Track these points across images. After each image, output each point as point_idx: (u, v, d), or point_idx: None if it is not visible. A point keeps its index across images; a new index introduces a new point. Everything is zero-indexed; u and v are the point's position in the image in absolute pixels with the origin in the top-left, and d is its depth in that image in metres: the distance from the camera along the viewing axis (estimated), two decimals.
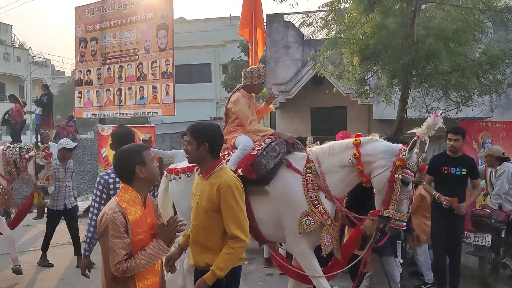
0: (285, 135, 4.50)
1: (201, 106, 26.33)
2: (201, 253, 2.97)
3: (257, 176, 4.14)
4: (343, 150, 4.02)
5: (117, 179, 3.42)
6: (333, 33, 7.53)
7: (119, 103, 11.21)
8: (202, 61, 28.27)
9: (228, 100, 4.83)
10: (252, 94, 4.95)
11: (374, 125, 12.78)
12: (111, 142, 4.04)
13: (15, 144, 6.52)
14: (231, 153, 4.53)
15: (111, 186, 3.58)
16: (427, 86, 7.45)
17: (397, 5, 6.45)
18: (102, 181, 3.60)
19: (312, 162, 4.10)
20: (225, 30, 27.77)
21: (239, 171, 4.16)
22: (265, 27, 11.39)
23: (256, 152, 4.27)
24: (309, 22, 7.64)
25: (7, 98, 16.89)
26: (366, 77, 7.81)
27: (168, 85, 10.32)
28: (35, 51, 51.74)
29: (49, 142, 10.88)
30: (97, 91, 11.64)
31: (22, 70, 37.83)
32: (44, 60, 41.96)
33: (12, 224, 6.79)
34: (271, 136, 4.44)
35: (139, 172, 2.69)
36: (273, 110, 5.96)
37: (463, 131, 5.63)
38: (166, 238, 2.72)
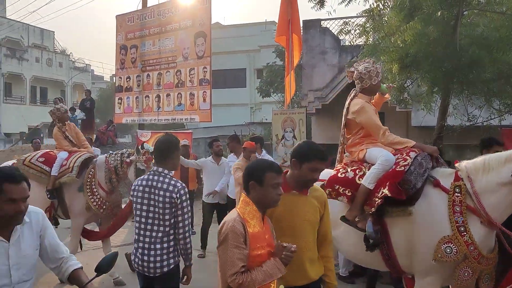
0: (429, 147, 4.05)
1: (235, 111, 26.49)
2: (316, 266, 3.03)
3: (406, 196, 3.63)
4: (502, 164, 3.41)
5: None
6: (371, 40, 7.47)
7: (158, 109, 11.44)
8: (237, 66, 28.48)
9: (347, 110, 4.38)
10: (372, 96, 4.53)
11: (413, 132, 12.53)
12: (155, 153, 3.94)
13: (117, 151, 6.48)
14: (363, 167, 4.09)
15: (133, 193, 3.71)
16: (468, 93, 7.27)
17: (439, 13, 6.33)
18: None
19: (462, 179, 3.56)
20: (260, 35, 27.88)
21: (385, 190, 3.67)
22: (301, 33, 11.40)
23: (402, 168, 3.73)
24: (347, 30, 7.59)
25: (53, 101, 17.48)
26: (405, 85, 7.70)
27: (205, 91, 10.46)
28: (75, 56, 53.39)
29: (92, 147, 11.23)
30: (137, 97, 11.91)
31: (63, 75, 39.07)
32: (85, 65, 43.23)
33: (109, 231, 6.56)
34: (414, 149, 3.92)
35: (252, 189, 2.70)
36: (389, 98, 5.40)
37: None
38: (283, 260, 2.61)
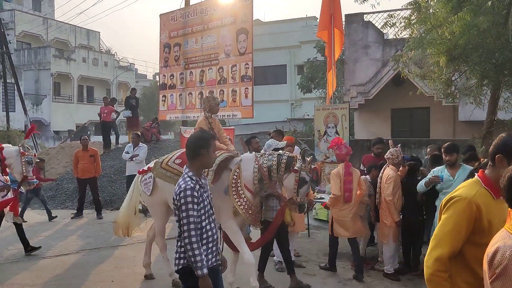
0: None
1: (276, 108, 26.52)
2: None
3: None
4: None
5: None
6: (417, 33, 7.31)
7: (200, 106, 11.58)
8: (277, 62, 28.46)
9: None
10: None
11: (460, 127, 12.18)
12: (187, 149, 3.59)
13: (273, 152, 5.68)
14: None
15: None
16: None
17: (489, 2, 6.12)
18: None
19: None
20: (301, 31, 27.75)
21: None
22: (343, 27, 11.29)
23: None
24: (392, 22, 7.45)
25: (102, 100, 18.04)
26: (453, 78, 7.48)
27: (247, 88, 10.52)
28: (120, 56, 54.87)
29: (140, 144, 11.54)
30: (180, 94, 12.11)
31: (109, 74, 40.26)
32: (129, 64, 44.37)
33: (263, 240, 5.80)
34: None
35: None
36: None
37: None
38: None
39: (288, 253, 6.27)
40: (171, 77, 12.36)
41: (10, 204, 7.10)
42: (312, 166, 5.53)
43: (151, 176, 6.20)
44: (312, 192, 5.84)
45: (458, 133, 12.36)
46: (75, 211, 11.03)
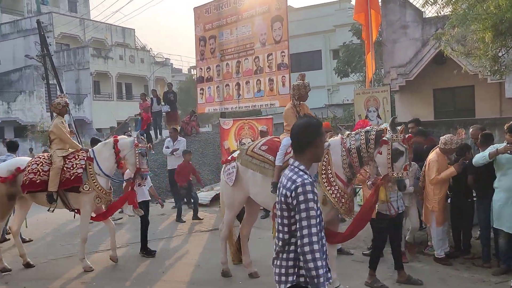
0: None
1: (312, 94, 25.79)
2: None
3: None
4: None
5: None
6: (459, 9, 7.02)
7: (238, 97, 11.61)
8: (312, 48, 28.11)
9: None
10: None
11: (507, 104, 11.70)
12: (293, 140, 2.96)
13: (359, 130, 5.14)
14: None
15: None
16: None
17: None
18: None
19: None
20: (334, 15, 27.27)
21: None
22: (380, 8, 11.01)
23: None
24: (432, 0, 7.18)
25: (139, 96, 18.35)
26: (499, 54, 7.17)
27: (284, 76, 10.45)
28: (155, 51, 55.71)
29: (179, 138, 11.73)
30: (217, 86, 12.17)
31: (145, 70, 40.91)
32: (164, 59, 44.92)
33: (352, 231, 5.32)
34: None
35: None
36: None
37: None
38: None
39: (398, 247, 5.92)
40: (208, 70, 12.43)
41: (129, 198, 7.19)
42: (407, 135, 4.90)
43: (235, 165, 6.09)
44: (410, 164, 5.12)
45: (505, 111, 11.88)
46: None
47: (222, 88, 11.99)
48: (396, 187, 5.03)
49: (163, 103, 17.28)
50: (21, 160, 7.24)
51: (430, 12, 11.43)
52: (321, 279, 2.57)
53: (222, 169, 6.46)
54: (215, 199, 11.89)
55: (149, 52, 43.44)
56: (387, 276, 5.99)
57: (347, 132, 5.28)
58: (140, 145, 6.85)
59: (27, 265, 7.09)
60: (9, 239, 8.98)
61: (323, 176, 5.07)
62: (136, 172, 6.88)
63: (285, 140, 5.59)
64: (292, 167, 2.79)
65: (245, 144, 11.10)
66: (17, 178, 6.79)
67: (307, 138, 2.82)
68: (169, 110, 16.96)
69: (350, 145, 5.00)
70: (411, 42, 12.44)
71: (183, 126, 17.48)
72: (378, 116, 9.61)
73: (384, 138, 4.80)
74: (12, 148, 9.25)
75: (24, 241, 8.68)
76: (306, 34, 27.15)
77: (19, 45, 37.22)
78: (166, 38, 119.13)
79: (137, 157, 6.77)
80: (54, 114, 7.23)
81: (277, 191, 2.82)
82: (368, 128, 5.06)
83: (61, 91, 23.96)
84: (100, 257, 7.49)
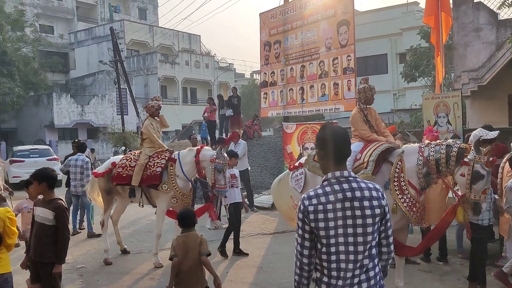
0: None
1: (378, 99, 25.12)
2: None
3: None
4: None
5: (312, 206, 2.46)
6: None
7: (302, 101, 11.62)
8: (377, 52, 27.55)
9: None
10: None
11: None
12: (319, 148, 2.67)
13: (438, 141, 5.06)
14: None
15: (311, 216, 2.47)
16: None
17: None
18: (301, 207, 2.53)
19: None
20: (401, 18, 26.61)
21: None
22: (451, 10, 10.63)
23: None
24: (510, 2, 6.83)
25: (206, 101, 18.78)
26: None
27: (350, 80, 10.34)
28: (219, 57, 56.89)
29: (239, 141, 11.88)
30: (281, 91, 12.24)
31: (209, 75, 41.93)
32: (228, 64, 45.79)
33: (426, 243, 5.26)
34: None
35: None
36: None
37: None
38: None
39: (478, 259, 5.63)
40: (272, 74, 12.53)
41: (208, 210, 7.35)
42: (491, 158, 4.63)
43: (303, 172, 6.07)
44: (489, 187, 4.88)
45: None
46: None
47: (286, 92, 12.04)
48: (472, 209, 4.77)
49: (226, 107, 17.60)
50: (117, 157, 7.90)
51: (505, 14, 10.89)
52: None
53: (290, 175, 6.46)
54: None
55: (214, 57, 44.46)
56: (456, 287, 5.77)
57: (427, 141, 5.13)
58: (216, 160, 6.70)
59: (124, 251, 7.79)
60: (80, 232, 9.56)
61: (395, 183, 4.95)
62: (212, 187, 6.87)
63: (355, 146, 5.45)
64: (352, 177, 2.54)
65: (307, 148, 11.10)
66: (112, 172, 7.36)
67: (350, 148, 2.67)
68: (232, 114, 17.23)
69: (429, 155, 4.86)
70: (484, 46, 11.88)
71: (246, 129, 17.70)
72: (448, 122, 9.27)
73: (465, 159, 4.61)
74: (81, 149, 9.83)
75: (93, 235, 9.32)
76: (371, 38, 26.65)
77: (93, 51, 39.41)
78: (230, 43, 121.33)
79: (213, 172, 6.73)
80: (146, 115, 7.59)
81: (359, 204, 2.48)
82: (450, 141, 4.92)
83: (131, 96, 25.08)
84: (167, 254, 7.73)
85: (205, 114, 17.33)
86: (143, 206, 7.50)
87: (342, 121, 19.55)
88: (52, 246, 4.37)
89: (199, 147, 7.19)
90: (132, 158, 7.32)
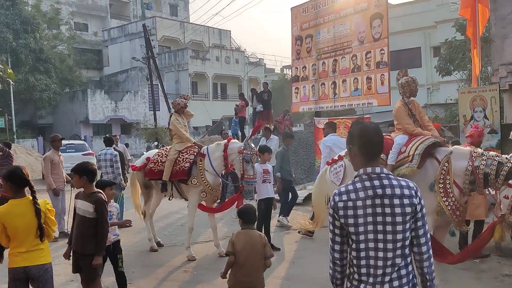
0: None
1: None
2: None
3: None
4: None
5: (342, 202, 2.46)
6: None
7: (334, 96, 11.51)
8: (410, 45, 27.00)
9: None
10: None
11: None
12: (351, 144, 2.60)
13: (493, 155, 4.88)
14: None
15: (341, 212, 2.46)
16: None
17: None
18: (332, 203, 2.53)
19: None
20: (436, 11, 25.98)
21: None
22: (489, 2, 10.33)
23: None
24: None
25: (238, 96, 18.82)
26: None
27: (383, 74, 10.18)
28: (249, 52, 56.95)
29: (271, 136, 11.87)
30: (313, 85, 12.16)
31: (239, 70, 42.03)
32: (258, 60, 45.78)
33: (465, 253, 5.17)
34: None
35: None
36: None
37: None
38: None
39: None
40: (303, 69, 12.46)
41: (237, 201, 7.38)
42: None
43: (342, 164, 6.09)
44: None
45: None
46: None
47: (318, 87, 11.96)
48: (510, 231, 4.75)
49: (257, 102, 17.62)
50: (151, 152, 8.11)
51: None
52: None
53: (329, 169, 6.40)
54: (308, 198, 11.91)
55: (244, 52, 44.52)
56: (493, 286, 5.64)
57: (480, 151, 5.02)
58: (244, 151, 6.74)
59: (158, 244, 7.96)
60: None
61: (441, 185, 4.87)
62: (241, 178, 6.89)
63: (399, 138, 5.43)
64: (384, 174, 2.50)
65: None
66: (147, 167, 7.60)
67: (382, 144, 2.61)
68: (263, 109, 17.23)
69: (479, 167, 4.77)
70: None
71: (277, 125, 17.68)
72: (485, 116, 9.03)
73: (510, 182, 4.55)
74: (108, 143, 10.10)
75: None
76: (405, 31, 26.12)
77: (126, 48, 40.10)
78: (260, 38, 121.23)
79: (241, 163, 6.77)
80: (172, 111, 7.73)
81: (390, 202, 2.44)
82: (503, 158, 4.76)
83: (163, 92, 25.42)
84: (199, 247, 7.84)
85: (257, 109, 17.33)
86: (170, 199, 7.69)
87: (374, 116, 19.31)
88: (93, 238, 4.48)
89: (226, 141, 7.24)
90: (164, 153, 7.49)
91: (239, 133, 17.20)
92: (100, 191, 4.65)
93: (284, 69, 52.26)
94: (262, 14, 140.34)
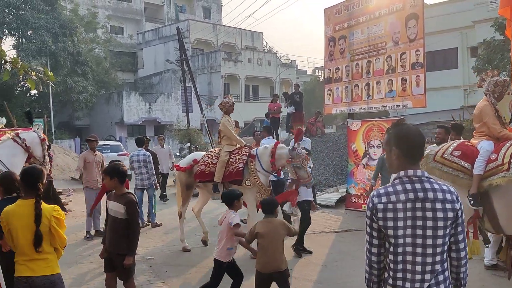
0: None
1: (446, 95, 24.59)
2: None
3: None
4: None
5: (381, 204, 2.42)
6: None
7: (367, 97, 11.35)
8: (446, 46, 26.36)
9: None
10: None
11: None
12: (394, 146, 2.52)
13: None
14: None
15: (380, 214, 2.42)
16: None
17: None
18: (370, 205, 2.49)
19: None
20: (473, 10, 25.27)
21: None
22: None
23: None
24: None
25: (272, 98, 18.78)
26: None
27: (419, 76, 9.98)
28: (281, 53, 56.92)
29: (304, 138, 11.82)
30: (346, 87, 12.03)
31: (271, 72, 42.05)
32: (290, 61, 45.69)
33: None
34: None
35: None
36: None
37: None
38: None
39: None
40: (336, 70, 12.35)
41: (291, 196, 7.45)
42: None
43: None
44: None
45: None
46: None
47: (351, 88, 11.83)
48: None
49: (288, 104, 17.60)
50: (198, 153, 8.17)
51: None
52: None
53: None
54: (341, 201, 11.79)
55: (276, 54, 44.53)
56: None
57: None
58: (292, 160, 6.70)
59: (204, 243, 7.99)
60: (148, 225, 9.92)
61: None
62: (297, 183, 6.86)
63: (486, 144, 5.00)
64: (425, 177, 2.46)
65: (373, 146, 10.84)
66: (193, 168, 7.62)
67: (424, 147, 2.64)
68: (294, 111, 17.19)
69: None
70: None
71: (309, 126, 17.62)
72: None
73: None
74: (140, 144, 10.28)
75: (156, 225, 9.86)
76: (440, 31, 25.52)
77: (160, 51, 40.75)
78: (293, 40, 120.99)
79: (293, 170, 6.80)
80: (222, 113, 7.73)
81: (431, 206, 2.39)
82: None
83: (196, 93, 25.66)
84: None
85: (288, 111, 17.30)
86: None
87: (408, 117, 18.96)
88: (125, 238, 4.56)
89: (273, 145, 7.12)
90: (213, 155, 7.48)
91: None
92: (131, 192, 4.71)
93: (316, 71, 51.95)
94: (295, 15, 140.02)
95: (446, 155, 5.00)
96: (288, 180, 7.61)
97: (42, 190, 3.70)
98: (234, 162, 7.12)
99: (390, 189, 2.44)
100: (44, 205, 3.62)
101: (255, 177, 6.98)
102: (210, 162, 7.39)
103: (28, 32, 29.09)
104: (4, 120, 12.56)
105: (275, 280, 4.71)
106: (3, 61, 3.71)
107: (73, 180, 16.97)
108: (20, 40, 29.72)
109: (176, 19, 44.32)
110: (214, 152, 7.57)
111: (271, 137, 10.44)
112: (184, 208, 8.04)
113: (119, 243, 4.58)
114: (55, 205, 3.77)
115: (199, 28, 40.15)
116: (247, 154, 7.17)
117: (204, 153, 8.01)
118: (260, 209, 7.37)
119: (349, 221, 10.02)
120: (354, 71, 11.69)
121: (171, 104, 35.41)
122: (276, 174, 7.50)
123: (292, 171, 6.84)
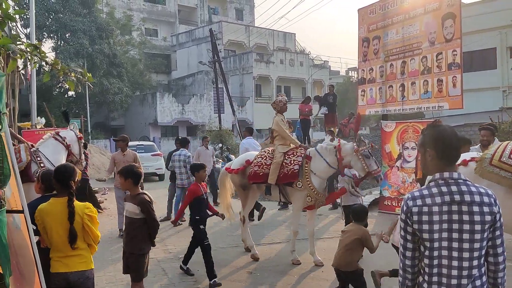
0: None
1: (483, 96, 23.92)
2: None
3: None
4: None
5: (416, 207, 2.38)
6: None
7: (402, 98, 11.15)
8: (484, 46, 25.64)
9: None
10: None
11: None
12: (430, 148, 2.47)
13: None
14: None
15: (415, 218, 2.38)
16: None
17: None
18: (404, 208, 2.45)
19: None
20: None
21: None
22: None
23: None
24: None
25: (304, 99, 18.72)
26: None
27: (455, 76, 9.73)
28: (314, 54, 56.67)
29: (335, 139, 11.72)
30: (380, 88, 11.85)
31: (304, 73, 41.90)
32: (322, 62, 45.41)
33: None
34: None
35: None
36: None
37: None
38: None
39: None
40: (370, 71, 12.18)
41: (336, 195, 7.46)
42: None
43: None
44: None
45: None
46: (282, 203, 11.74)
47: (385, 89, 11.64)
48: None
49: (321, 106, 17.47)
50: (251, 154, 7.86)
51: None
52: None
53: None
54: (374, 203, 11.63)
55: (308, 55, 44.36)
56: None
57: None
58: (360, 148, 6.53)
59: (247, 249, 7.70)
60: (181, 224, 10.02)
61: None
62: (368, 175, 6.59)
63: None
64: (462, 180, 2.40)
65: (408, 148, 10.66)
66: (246, 170, 7.38)
67: (460, 149, 2.51)
68: (327, 112, 17.05)
69: None
70: None
71: (341, 128, 17.46)
72: None
73: None
74: (183, 144, 10.49)
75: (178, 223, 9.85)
76: (478, 31, 24.85)
77: (193, 53, 41.27)
78: (325, 41, 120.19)
79: (362, 161, 6.51)
80: (275, 112, 7.46)
81: (471, 209, 2.33)
82: None
83: (228, 95, 25.85)
84: (262, 249, 7.88)
85: (321, 112, 17.22)
86: (280, 204, 7.57)
87: (444, 119, 18.53)
88: (141, 238, 4.62)
89: (336, 144, 6.84)
90: (267, 156, 7.19)
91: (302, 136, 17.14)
92: (145, 192, 4.75)
93: (350, 71, 51.45)
94: (328, 16, 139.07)
95: (504, 159, 4.65)
96: (350, 177, 7.30)
97: (74, 188, 3.75)
98: (289, 164, 6.82)
99: (425, 192, 2.39)
100: (76, 203, 3.69)
101: (308, 179, 6.68)
102: (263, 163, 7.11)
103: (67, 35, 30.01)
104: (43, 120, 12.97)
105: (341, 277, 5.31)
106: (43, 63, 3.82)
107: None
108: (59, 43, 30.68)
109: (209, 21, 44.78)
110: (268, 153, 7.24)
111: (251, 137, 11.07)
112: (246, 210, 7.73)
113: (134, 243, 4.64)
114: (87, 203, 3.83)
115: (232, 29, 40.43)
116: (303, 155, 6.88)
117: (256, 153, 7.70)
118: (304, 212, 7.36)
119: (382, 224, 9.87)
120: (388, 71, 11.50)
121: (203, 105, 35.78)
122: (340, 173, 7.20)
123: (360, 163, 6.51)
